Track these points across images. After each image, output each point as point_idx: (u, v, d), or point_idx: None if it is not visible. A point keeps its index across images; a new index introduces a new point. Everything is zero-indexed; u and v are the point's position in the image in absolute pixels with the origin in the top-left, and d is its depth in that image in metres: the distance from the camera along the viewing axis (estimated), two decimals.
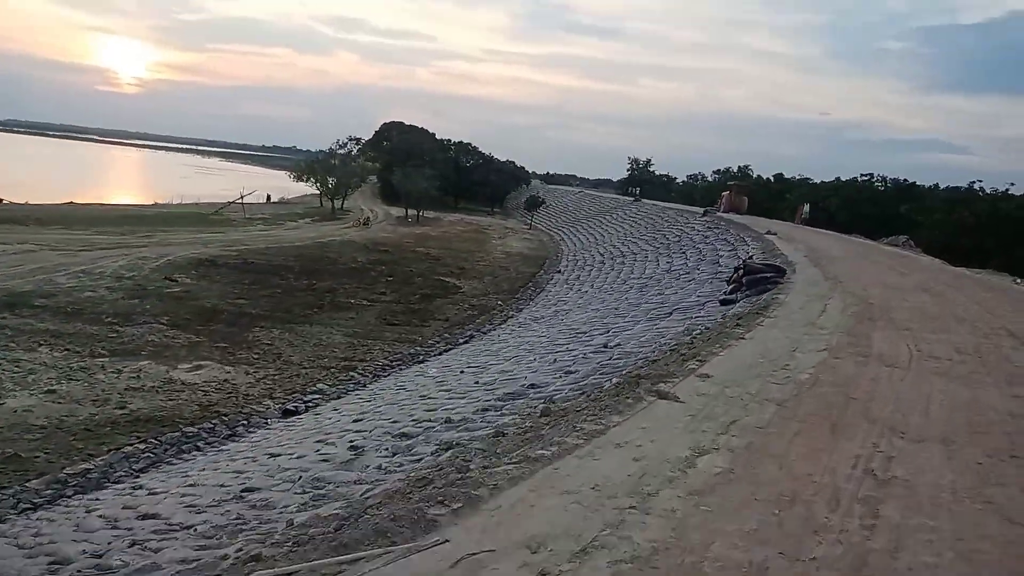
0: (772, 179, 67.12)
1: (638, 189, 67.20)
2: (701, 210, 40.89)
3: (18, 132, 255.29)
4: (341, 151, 57.70)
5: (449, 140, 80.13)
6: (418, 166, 70.80)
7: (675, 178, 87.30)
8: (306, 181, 52.55)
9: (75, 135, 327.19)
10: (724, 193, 47.94)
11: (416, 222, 52.98)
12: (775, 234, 24.65)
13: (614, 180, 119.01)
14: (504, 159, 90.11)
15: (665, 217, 44.93)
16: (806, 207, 43.49)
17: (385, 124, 79.96)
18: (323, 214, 49.95)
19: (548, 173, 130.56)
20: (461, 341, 18.68)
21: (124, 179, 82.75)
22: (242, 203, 45.91)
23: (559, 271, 34.73)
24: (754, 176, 67.09)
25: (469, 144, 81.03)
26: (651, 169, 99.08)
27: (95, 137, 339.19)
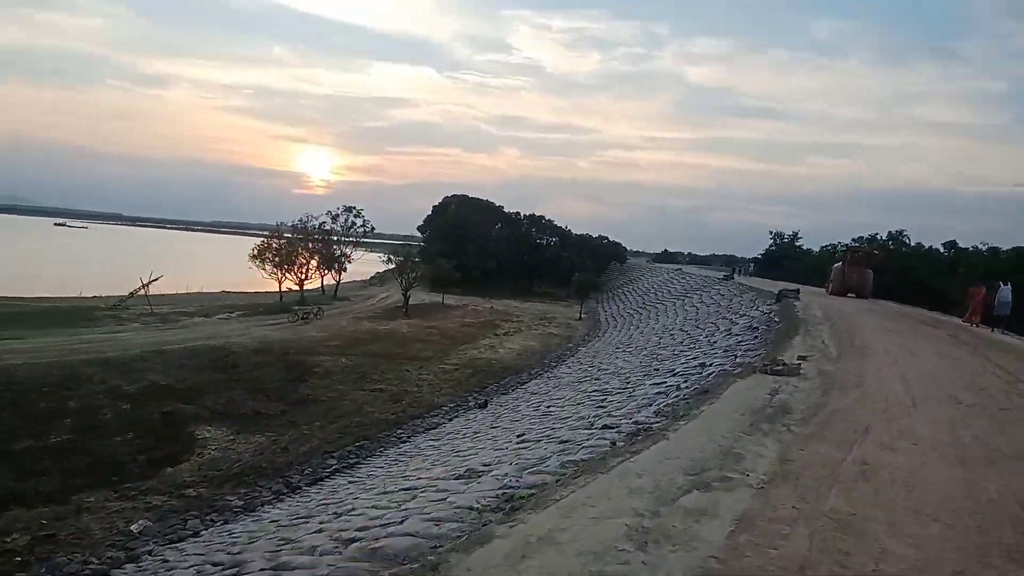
0: (941, 248, 46.91)
1: (733, 267, 50.67)
2: (777, 293, 24.03)
3: (200, 231, 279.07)
4: (309, 224, 45.45)
5: (518, 213, 67.16)
6: (470, 243, 58.80)
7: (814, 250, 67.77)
8: (258, 267, 40.74)
9: (262, 233, 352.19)
10: (834, 266, 30.28)
11: (406, 313, 39.76)
12: (796, 370, 8.46)
13: (759, 256, 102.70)
14: (605, 238, 75.39)
15: (732, 305, 28.56)
16: (1003, 289, 19.31)
17: (447, 198, 68.62)
18: (274, 308, 38.00)
19: (692, 253, 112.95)
20: None
21: (199, 268, 77.26)
22: (146, 294, 35.43)
23: (471, 412, 20.11)
24: (911, 244, 47.21)
25: (542, 217, 67.52)
26: (797, 244, 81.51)
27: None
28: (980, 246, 43.76)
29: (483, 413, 18.91)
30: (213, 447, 15.59)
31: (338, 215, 47.59)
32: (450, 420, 18.59)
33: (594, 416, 9.20)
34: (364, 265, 62.02)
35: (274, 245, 41.35)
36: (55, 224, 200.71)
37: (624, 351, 25.00)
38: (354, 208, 48.62)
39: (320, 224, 46.30)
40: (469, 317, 41.29)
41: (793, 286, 26.26)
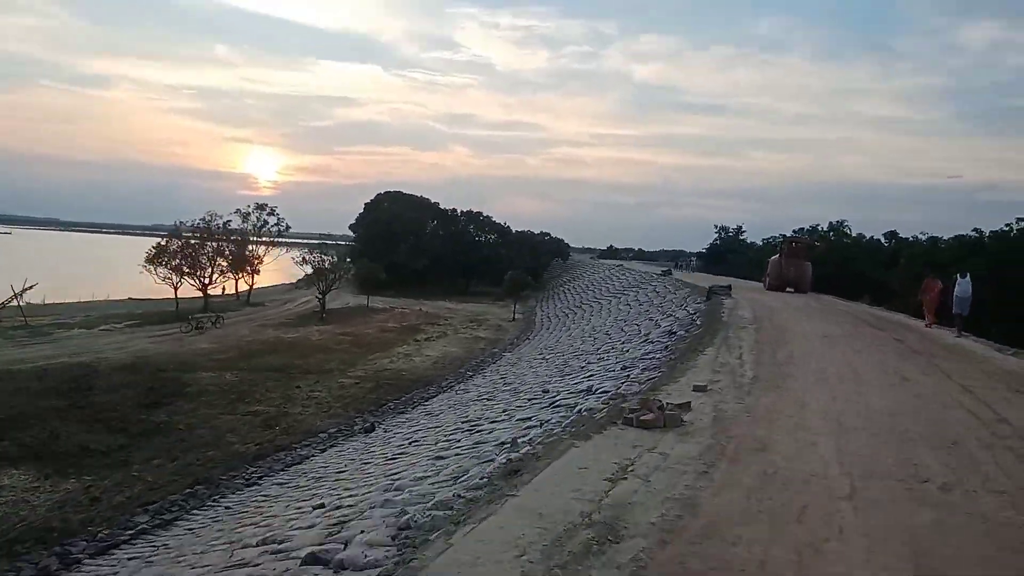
0: (882, 239, 45.80)
1: (675, 262, 49.10)
2: (707, 290, 21.75)
3: (139, 235, 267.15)
4: (214, 223, 41.59)
5: (455, 210, 64.20)
6: (401, 242, 55.87)
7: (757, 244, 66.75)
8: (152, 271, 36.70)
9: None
10: (771, 259, 28.32)
11: (322, 319, 36.65)
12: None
13: (703, 250, 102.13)
14: (544, 232, 73.10)
15: (664, 303, 26.37)
16: (961, 282, 15.63)
17: (379, 194, 65.28)
18: (170, 316, 34.38)
19: (640, 249, 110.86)
20: None
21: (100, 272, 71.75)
22: (19, 303, 31.57)
23: (353, 439, 17.42)
24: (853, 235, 45.88)
25: (480, 214, 64.72)
26: (741, 237, 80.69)
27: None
28: (920, 236, 42.69)
29: (363, 442, 16.15)
30: (5, 498, 12.46)
31: (249, 213, 44.04)
32: (323, 451, 15.77)
33: (384, 499, 6.51)
34: (294, 267, 58.30)
35: (172, 247, 37.54)
36: None
37: (543, 359, 22.44)
38: (267, 205, 45.06)
39: (226, 223, 42.61)
40: (393, 321, 38.39)
41: (725, 282, 24.09)
